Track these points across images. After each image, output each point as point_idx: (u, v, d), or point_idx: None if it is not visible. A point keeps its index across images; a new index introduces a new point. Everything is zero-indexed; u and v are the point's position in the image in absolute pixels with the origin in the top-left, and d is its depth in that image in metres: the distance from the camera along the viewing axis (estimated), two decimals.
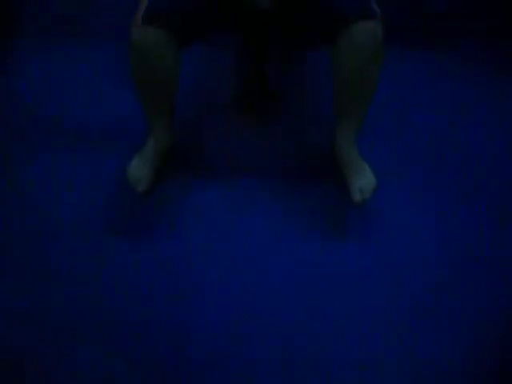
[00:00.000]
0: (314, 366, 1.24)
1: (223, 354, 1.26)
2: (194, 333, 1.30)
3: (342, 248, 1.50)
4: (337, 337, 1.30)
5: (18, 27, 2.34)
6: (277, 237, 1.53)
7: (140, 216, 1.59)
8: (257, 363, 1.24)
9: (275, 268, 1.45)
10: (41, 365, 1.23)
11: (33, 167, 1.73)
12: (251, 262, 1.46)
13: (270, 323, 1.33)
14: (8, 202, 1.62)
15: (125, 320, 1.33)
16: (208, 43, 1.64)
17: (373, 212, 1.58)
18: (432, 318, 1.35)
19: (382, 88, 1.48)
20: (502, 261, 1.48)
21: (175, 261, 1.46)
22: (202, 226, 1.55)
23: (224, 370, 1.23)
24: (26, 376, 1.22)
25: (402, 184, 1.68)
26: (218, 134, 1.84)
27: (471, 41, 2.26)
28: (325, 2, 1.38)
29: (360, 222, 1.57)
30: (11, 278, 1.43)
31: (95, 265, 1.46)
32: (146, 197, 1.57)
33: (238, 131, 1.83)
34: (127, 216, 1.59)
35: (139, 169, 1.52)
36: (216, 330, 1.31)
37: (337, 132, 1.54)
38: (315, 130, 1.84)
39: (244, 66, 1.87)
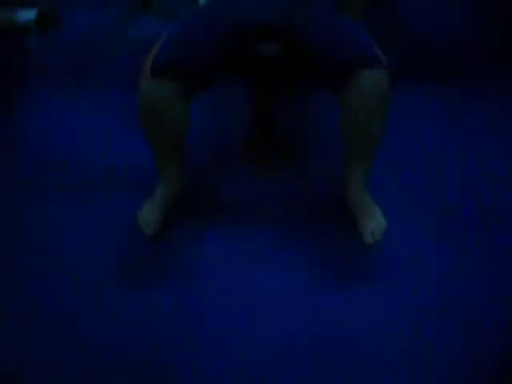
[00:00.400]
0: None
1: None
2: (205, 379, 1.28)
3: (357, 296, 1.49)
4: None
5: (29, 75, 2.41)
6: (290, 286, 1.52)
7: (149, 260, 1.59)
8: None
9: (288, 318, 1.44)
10: None
11: (44, 212, 1.75)
12: (262, 310, 1.45)
13: (286, 372, 1.30)
14: (21, 245, 1.63)
15: (133, 362, 1.31)
16: (216, 89, 1.68)
17: (384, 254, 1.58)
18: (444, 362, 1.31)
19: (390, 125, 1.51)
20: None
21: (184, 307, 1.46)
22: (211, 273, 1.55)
23: None
24: None
25: (411, 224, 1.68)
26: (227, 178, 1.86)
27: (484, 79, 2.30)
28: (330, 51, 1.40)
29: (372, 266, 1.57)
30: (19, 320, 1.42)
31: (105, 307, 1.45)
32: (156, 241, 1.56)
33: (248, 177, 1.85)
34: (137, 259, 1.59)
35: (149, 213, 1.52)
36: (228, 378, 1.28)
37: (347, 176, 1.55)
38: (325, 175, 1.85)
39: (252, 110, 1.90)
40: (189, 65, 1.38)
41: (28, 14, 2.70)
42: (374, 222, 1.48)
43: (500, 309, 1.44)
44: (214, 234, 1.66)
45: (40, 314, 1.44)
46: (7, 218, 1.73)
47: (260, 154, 1.91)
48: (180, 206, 1.68)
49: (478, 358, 1.32)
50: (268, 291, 1.50)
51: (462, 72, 2.35)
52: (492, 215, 1.70)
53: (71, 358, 1.33)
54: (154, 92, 1.37)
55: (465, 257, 1.58)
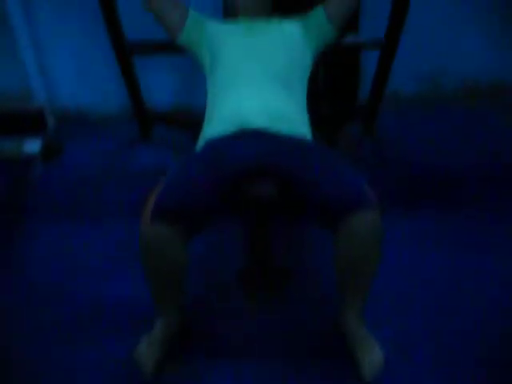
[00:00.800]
0: None
1: None
2: None
3: None
4: None
5: (32, 204, 2.52)
6: None
7: None
8: None
9: None
10: None
11: (34, 348, 1.74)
12: None
13: None
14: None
15: None
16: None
17: None
18: None
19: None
20: None
21: None
22: None
23: None
24: None
25: (409, 358, 1.67)
26: (224, 309, 1.88)
27: (480, 202, 2.36)
28: (322, 195, 1.47)
29: None
30: None
31: None
32: (153, 379, 1.55)
33: (244, 311, 1.86)
34: None
35: (147, 351, 1.53)
36: None
37: (342, 310, 1.58)
38: (322, 304, 1.87)
39: (248, 238, 1.95)
40: (187, 210, 1.45)
41: (33, 145, 2.83)
42: (372, 356, 1.49)
43: None
44: (209, 367, 1.65)
45: None
46: None
47: (254, 284, 1.94)
48: (177, 340, 1.68)
49: None
50: None
51: (457, 195, 2.42)
52: (497, 347, 1.69)
53: None
54: (153, 236, 1.43)
55: None
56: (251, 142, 1.64)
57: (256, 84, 1.79)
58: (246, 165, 1.58)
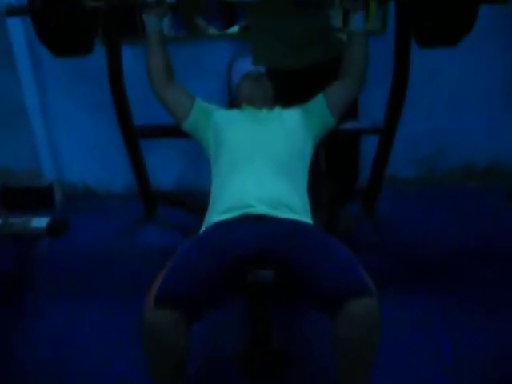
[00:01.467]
0: None
1: None
2: None
3: None
4: None
5: (38, 280, 2.56)
6: None
7: None
8: None
9: None
10: None
11: None
12: None
13: None
14: None
15: None
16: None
17: None
18: None
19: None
20: None
21: None
22: None
23: None
24: None
25: None
26: None
27: (476, 286, 2.37)
28: (320, 282, 1.50)
29: None
30: None
31: None
32: None
33: None
34: None
35: None
36: None
37: None
38: None
39: (249, 322, 1.96)
40: (189, 296, 1.48)
41: (41, 222, 2.90)
42: None
43: None
44: None
45: None
46: None
47: (255, 367, 1.94)
48: None
49: None
50: None
51: (456, 277, 2.43)
52: None
53: None
54: (156, 320, 1.46)
55: None
56: (252, 227, 1.69)
57: (258, 171, 1.87)
58: (247, 251, 1.63)
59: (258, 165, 1.88)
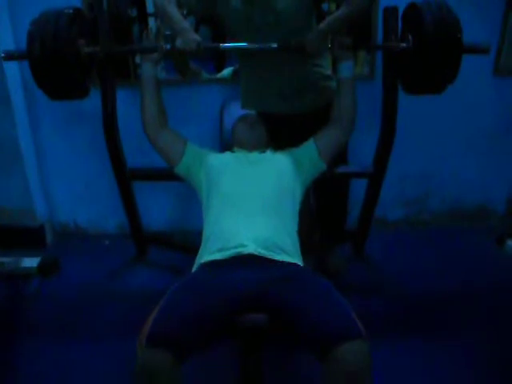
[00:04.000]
0: None
1: None
2: None
3: None
4: None
5: (27, 320, 2.54)
6: None
7: None
8: None
9: None
10: None
11: None
12: None
13: None
14: None
15: None
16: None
17: None
18: None
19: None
20: None
21: None
22: None
23: None
24: None
25: None
26: None
27: (467, 327, 2.38)
28: (310, 325, 1.52)
29: None
30: None
31: None
32: None
33: None
34: None
35: None
36: None
37: None
38: None
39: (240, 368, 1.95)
40: (180, 337, 1.49)
41: (32, 262, 2.89)
42: None
43: None
44: None
45: None
46: None
47: None
48: None
49: None
50: None
51: (445, 318, 2.44)
52: None
53: None
54: (148, 360, 1.46)
55: None
56: (244, 270, 1.71)
57: (250, 211, 1.89)
58: (237, 294, 1.65)
59: (249, 205, 1.91)
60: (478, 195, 3.37)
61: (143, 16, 2.97)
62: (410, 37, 2.06)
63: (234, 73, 3.09)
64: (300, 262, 1.85)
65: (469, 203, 3.39)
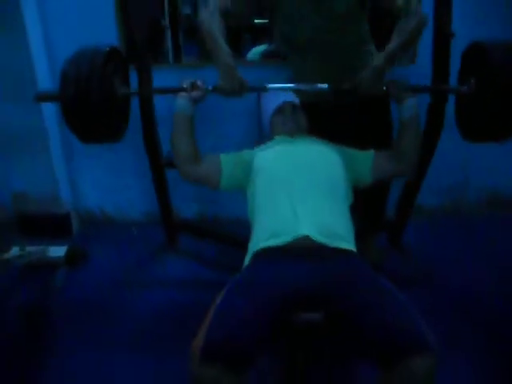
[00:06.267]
0: None
1: None
2: None
3: None
4: None
5: (54, 313, 2.45)
6: None
7: None
8: None
9: None
10: None
11: None
12: None
13: None
14: None
15: None
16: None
17: None
18: None
19: None
20: None
21: None
22: None
23: None
24: None
25: None
26: None
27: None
28: (379, 332, 1.41)
29: None
30: None
31: None
32: None
33: None
34: None
35: None
36: None
37: None
38: None
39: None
40: (238, 349, 1.38)
41: (59, 251, 2.82)
42: None
43: None
44: None
45: None
46: None
47: None
48: None
49: None
50: None
51: (485, 312, 2.35)
52: None
53: None
54: (205, 377, 1.37)
55: None
56: (303, 264, 1.59)
57: (304, 194, 1.77)
58: (296, 293, 1.54)
59: (303, 186, 1.79)
60: None
61: (175, 23, 2.90)
62: (472, 80, 1.86)
63: (266, 53, 2.96)
64: (355, 249, 1.72)
65: (505, 191, 3.30)
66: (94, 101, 1.75)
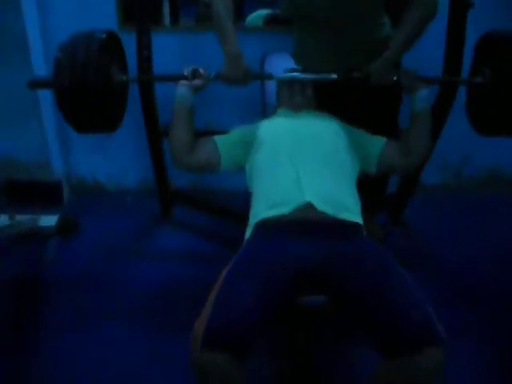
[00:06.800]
0: None
1: None
2: None
3: None
4: None
5: (44, 287, 2.37)
6: None
7: None
8: None
9: None
10: None
11: None
12: None
13: None
14: None
15: None
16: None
17: None
18: None
19: None
20: None
21: None
22: None
23: None
24: None
25: None
26: None
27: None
28: (386, 320, 1.34)
29: None
30: None
31: None
32: None
33: None
34: None
35: None
36: None
37: None
38: None
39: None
40: (240, 335, 1.33)
41: (50, 221, 2.72)
42: None
43: None
44: None
45: None
46: None
47: None
48: None
49: None
50: None
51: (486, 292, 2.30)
52: None
53: None
54: (208, 364, 1.31)
55: None
56: (308, 241, 1.52)
57: (308, 162, 1.69)
58: (301, 274, 1.47)
59: (307, 155, 1.70)
60: None
61: None
62: (486, 71, 1.79)
63: (269, 18, 2.82)
64: (361, 222, 1.64)
65: (507, 168, 3.25)
66: (91, 88, 1.65)
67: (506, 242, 2.71)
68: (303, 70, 2.01)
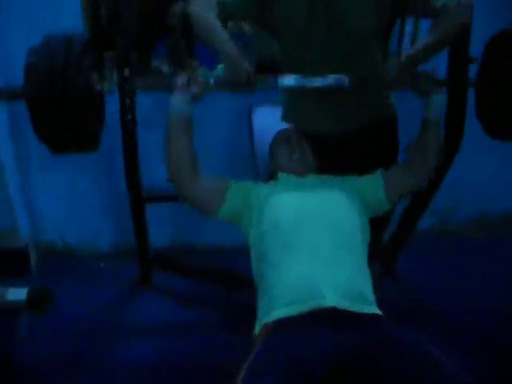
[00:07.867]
0: None
1: None
2: None
3: None
4: None
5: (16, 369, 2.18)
6: None
7: None
8: None
9: None
10: None
11: None
12: None
13: None
14: None
15: None
16: None
17: None
18: None
19: None
20: None
21: None
22: None
23: None
24: None
25: None
26: None
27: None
28: None
29: None
30: None
31: None
32: None
33: None
34: None
35: None
36: None
37: None
38: None
39: None
40: None
41: (19, 294, 2.47)
42: None
43: None
44: None
45: None
46: None
47: None
48: None
49: None
50: None
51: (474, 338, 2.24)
52: None
53: None
54: None
55: None
56: (327, 337, 1.38)
57: (322, 251, 1.54)
58: (321, 372, 1.32)
59: (319, 241, 1.56)
60: (502, 203, 3.30)
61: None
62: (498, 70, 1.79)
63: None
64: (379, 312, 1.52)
65: (493, 212, 3.31)
66: (71, 97, 1.49)
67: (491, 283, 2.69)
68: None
